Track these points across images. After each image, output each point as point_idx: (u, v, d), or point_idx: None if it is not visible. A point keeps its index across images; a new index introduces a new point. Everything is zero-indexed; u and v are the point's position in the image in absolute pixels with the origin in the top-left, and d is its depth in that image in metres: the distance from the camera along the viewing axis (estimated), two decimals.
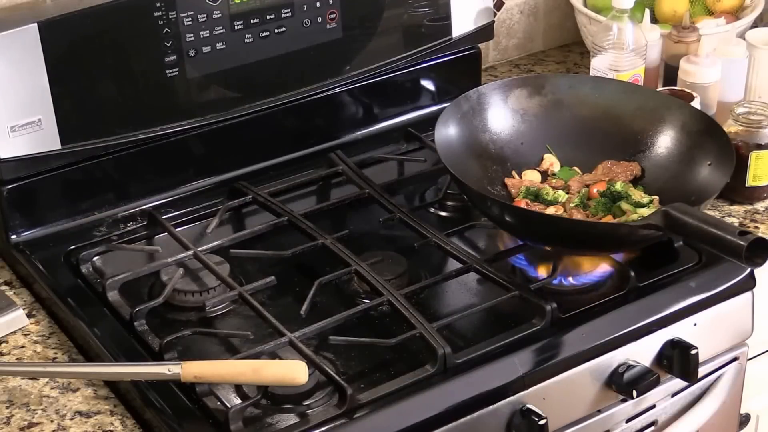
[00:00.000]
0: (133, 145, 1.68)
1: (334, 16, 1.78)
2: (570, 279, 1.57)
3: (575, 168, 1.73)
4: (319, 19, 1.76)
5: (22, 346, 1.50)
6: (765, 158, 1.74)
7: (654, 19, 2.06)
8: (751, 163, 1.74)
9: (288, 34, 1.74)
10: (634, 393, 1.48)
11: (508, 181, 1.70)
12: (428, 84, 1.95)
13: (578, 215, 1.62)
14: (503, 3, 2.10)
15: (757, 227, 1.73)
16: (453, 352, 1.41)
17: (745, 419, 1.78)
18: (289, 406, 1.38)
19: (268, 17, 1.71)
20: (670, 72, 1.94)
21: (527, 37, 2.24)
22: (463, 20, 1.92)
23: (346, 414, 1.35)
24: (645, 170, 1.70)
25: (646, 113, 1.73)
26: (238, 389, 1.41)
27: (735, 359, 1.65)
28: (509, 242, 1.64)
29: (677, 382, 1.57)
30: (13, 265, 1.64)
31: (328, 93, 1.83)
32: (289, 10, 1.73)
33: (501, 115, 1.74)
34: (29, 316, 1.55)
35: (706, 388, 1.63)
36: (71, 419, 1.38)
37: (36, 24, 1.54)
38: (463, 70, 1.98)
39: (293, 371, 1.35)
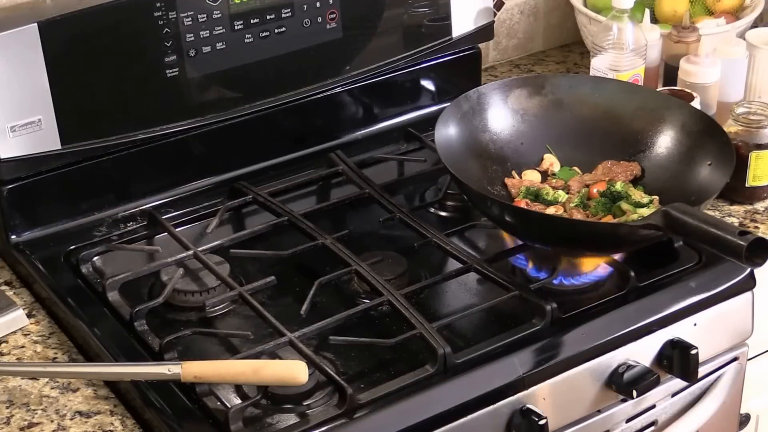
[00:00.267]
0: (133, 145, 1.68)
1: (334, 16, 1.77)
2: (570, 279, 1.57)
3: (575, 168, 1.73)
4: (319, 19, 1.76)
5: (22, 346, 1.50)
6: (765, 158, 1.74)
7: (654, 19, 2.06)
8: (751, 163, 1.74)
9: (288, 34, 1.74)
10: (634, 393, 1.48)
11: (508, 181, 1.70)
12: (428, 84, 1.95)
13: (578, 215, 1.62)
14: (503, 3, 2.10)
15: (757, 227, 1.73)
16: (453, 352, 1.41)
17: (745, 419, 1.78)
18: (289, 406, 1.38)
19: (268, 17, 1.71)
20: (670, 72, 1.93)
21: (527, 37, 2.24)
22: (463, 20, 1.92)
23: (346, 414, 1.35)
24: (645, 170, 1.70)
25: (646, 113, 1.73)
26: (238, 389, 1.40)
27: (735, 359, 1.65)
28: (509, 242, 1.64)
29: (677, 382, 1.57)
30: (13, 265, 1.64)
31: (328, 93, 1.83)
32: (289, 10, 1.73)
33: (501, 115, 1.74)
34: (29, 316, 1.55)
35: (706, 388, 1.63)
36: (71, 419, 1.38)
37: (36, 24, 1.54)
38: (463, 70, 1.97)
39: (293, 371, 1.35)
